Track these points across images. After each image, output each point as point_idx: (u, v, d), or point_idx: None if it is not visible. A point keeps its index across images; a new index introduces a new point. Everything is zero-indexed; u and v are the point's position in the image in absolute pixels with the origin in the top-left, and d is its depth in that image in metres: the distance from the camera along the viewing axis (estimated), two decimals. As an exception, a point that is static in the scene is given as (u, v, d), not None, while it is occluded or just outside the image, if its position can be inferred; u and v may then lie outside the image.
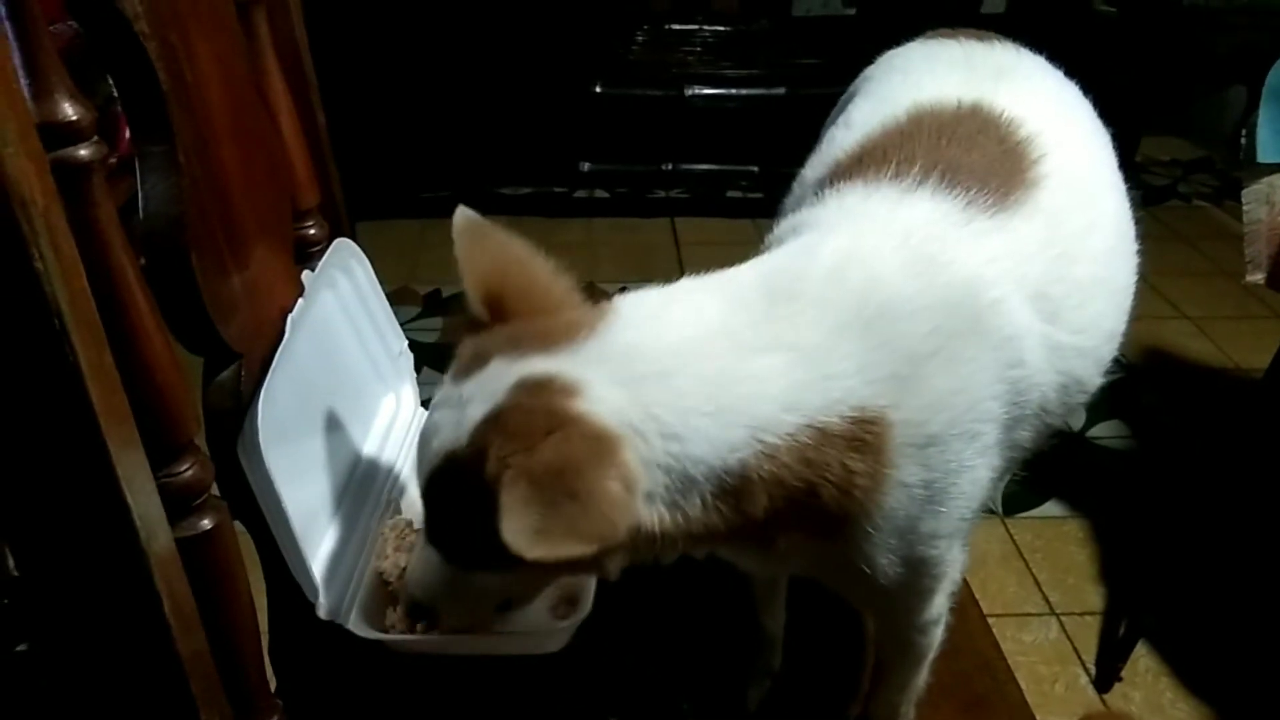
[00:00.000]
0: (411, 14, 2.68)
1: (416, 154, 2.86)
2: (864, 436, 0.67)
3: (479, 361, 0.68)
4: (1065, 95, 0.92)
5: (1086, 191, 0.83)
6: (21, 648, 1.28)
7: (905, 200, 0.75)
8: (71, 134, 0.53)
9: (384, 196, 2.74)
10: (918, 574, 0.77)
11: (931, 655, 0.91)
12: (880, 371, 0.67)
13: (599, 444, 0.62)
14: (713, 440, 0.65)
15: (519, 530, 0.59)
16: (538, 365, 0.66)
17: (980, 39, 0.93)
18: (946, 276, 0.71)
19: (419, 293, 2.52)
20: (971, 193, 0.74)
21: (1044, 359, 0.74)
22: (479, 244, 0.75)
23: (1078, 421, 2.00)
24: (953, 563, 0.80)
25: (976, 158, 0.77)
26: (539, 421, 0.63)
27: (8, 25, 0.51)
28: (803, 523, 0.69)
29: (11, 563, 1.38)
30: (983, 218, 0.74)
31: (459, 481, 0.66)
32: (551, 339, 0.67)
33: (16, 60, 0.51)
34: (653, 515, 0.65)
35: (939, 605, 0.85)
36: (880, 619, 0.90)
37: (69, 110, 0.53)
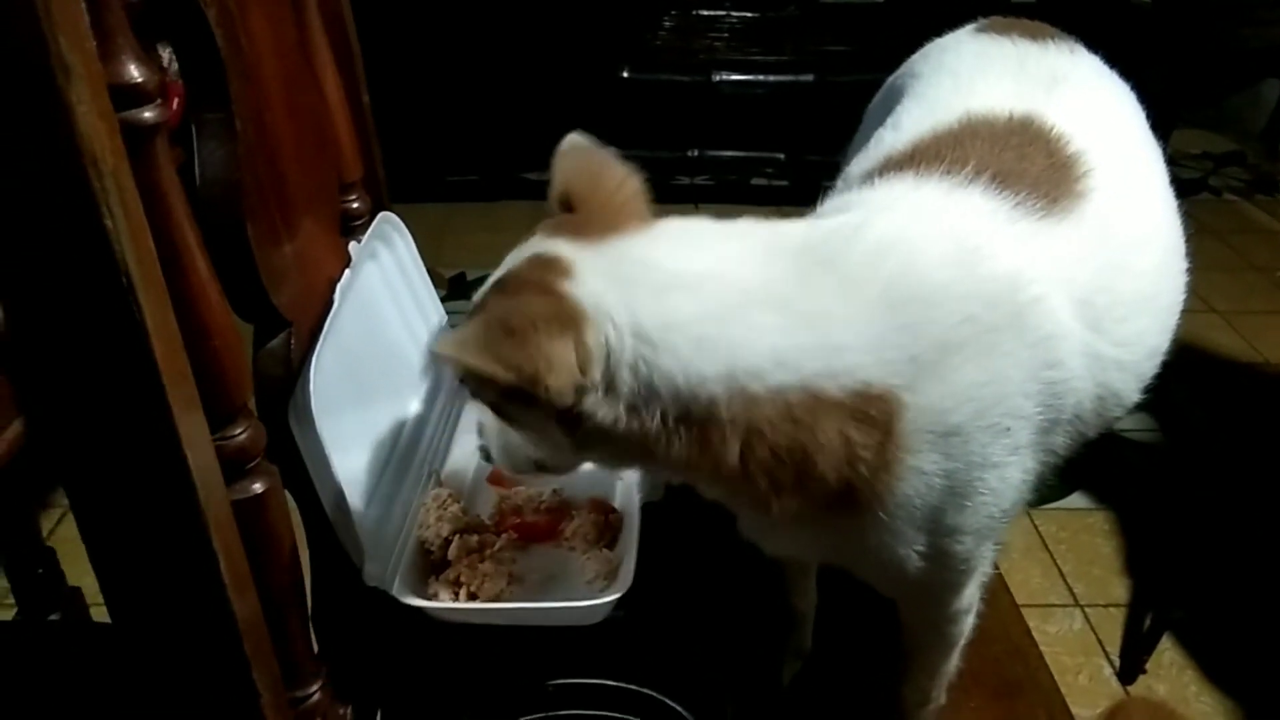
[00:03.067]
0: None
1: (444, 138, 2.87)
2: (869, 411, 0.67)
3: (527, 238, 0.74)
4: (1118, 105, 0.91)
5: (1135, 207, 0.82)
6: (54, 617, 1.30)
7: (955, 194, 0.75)
8: (138, 96, 0.54)
9: (411, 180, 2.74)
10: (944, 567, 0.77)
11: (962, 643, 0.91)
12: (898, 353, 0.68)
13: (561, 313, 0.67)
14: (684, 362, 0.67)
15: (450, 338, 0.67)
16: (556, 248, 0.71)
17: (1034, 37, 0.92)
18: (988, 269, 0.71)
19: (444, 275, 2.53)
20: (1021, 196, 0.75)
21: (1084, 366, 0.74)
22: (572, 154, 0.80)
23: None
24: (984, 559, 0.80)
25: (1027, 167, 0.77)
26: (526, 286, 0.69)
27: (78, -13, 0.52)
28: (801, 489, 0.70)
29: (44, 533, 1.40)
30: (1030, 220, 0.74)
31: None
32: (586, 232, 0.72)
33: (86, 21, 0.51)
34: (613, 412, 0.68)
35: (969, 595, 0.85)
36: (909, 607, 0.90)
37: (135, 72, 0.53)
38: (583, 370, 0.67)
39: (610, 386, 0.68)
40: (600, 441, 0.71)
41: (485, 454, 0.83)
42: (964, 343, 0.69)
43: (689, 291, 0.68)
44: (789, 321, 0.68)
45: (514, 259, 0.73)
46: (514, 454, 0.80)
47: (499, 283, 0.72)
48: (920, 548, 0.74)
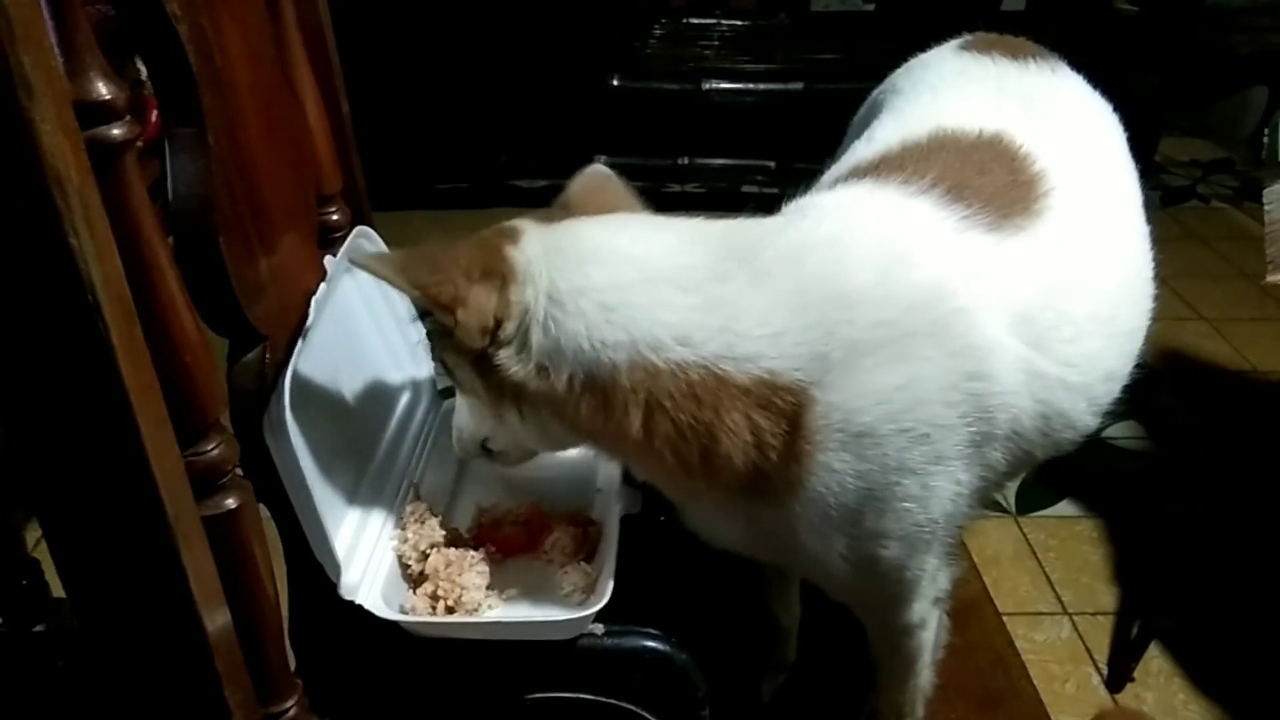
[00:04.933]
0: (430, 6, 2.68)
1: (433, 145, 2.87)
2: (775, 401, 0.70)
3: None
4: (1095, 127, 0.91)
5: (1097, 229, 0.83)
6: (38, 628, 1.30)
7: (906, 202, 0.76)
8: (105, 113, 0.54)
9: (400, 187, 2.74)
10: (876, 574, 0.78)
11: (925, 659, 0.91)
12: (805, 349, 0.70)
13: (492, 265, 0.74)
14: (590, 325, 0.72)
15: (374, 256, 0.78)
16: (521, 223, 0.79)
17: (1015, 56, 0.93)
18: (914, 276, 0.73)
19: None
20: (973, 209, 0.76)
21: (1019, 382, 0.74)
22: (588, 175, 0.87)
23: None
24: (923, 571, 0.81)
25: (986, 182, 0.78)
26: (474, 241, 0.77)
27: (44, 3, 0.52)
28: (709, 469, 0.73)
29: (28, 544, 1.39)
30: (977, 232, 0.75)
31: None
32: (555, 219, 0.80)
33: (52, 38, 0.51)
34: (524, 369, 0.74)
35: (919, 611, 0.85)
36: (862, 616, 0.91)
37: (103, 89, 0.54)
38: (498, 320, 0.73)
39: (524, 344, 0.74)
40: (516, 399, 0.77)
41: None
42: (878, 345, 0.70)
43: (605, 264, 0.74)
44: (693, 302, 0.72)
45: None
46: (464, 435, 0.86)
47: (468, 242, 0.78)
48: (841, 549, 0.76)
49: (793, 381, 0.70)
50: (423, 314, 0.83)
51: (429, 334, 0.82)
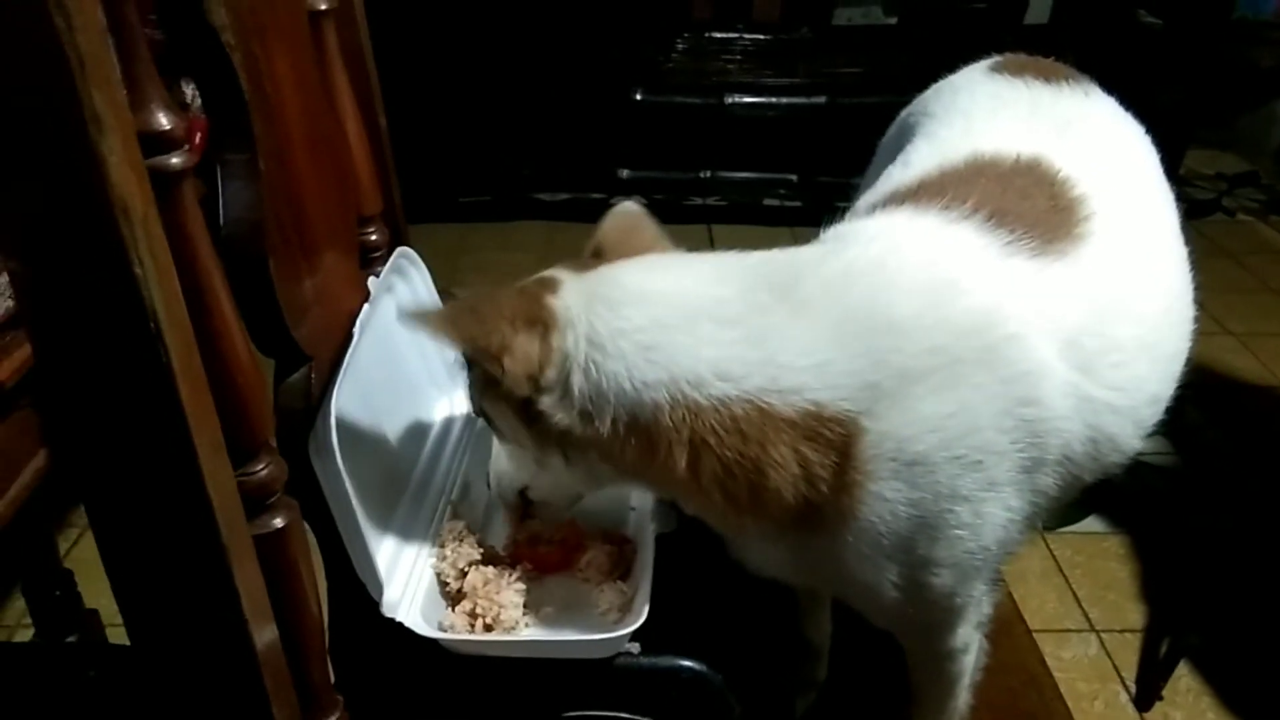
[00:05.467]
0: (453, 21, 2.70)
1: (457, 159, 2.89)
2: (823, 433, 0.70)
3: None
4: (1130, 150, 0.91)
5: (1138, 253, 0.83)
6: (71, 639, 1.31)
7: (949, 228, 0.76)
8: (165, 143, 0.55)
9: (425, 201, 2.77)
10: (925, 601, 0.78)
11: (965, 682, 0.90)
12: (852, 378, 0.70)
13: (534, 313, 0.75)
14: (630, 366, 0.72)
15: (420, 310, 0.81)
16: (559, 272, 0.80)
17: (1048, 79, 0.93)
18: (964, 303, 0.72)
19: (459, 297, 2.54)
20: (1016, 234, 0.76)
21: (1069, 407, 0.74)
22: (618, 215, 0.87)
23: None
24: (972, 597, 0.80)
25: (1028, 207, 0.78)
26: (514, 291, 0.78)
27: (109, 37, 0.53)
28: (758, 504, 0.72)
29: (61, 555, 1.41)
30: (1022, 258, 0.75)
31: None
32: (591, 266, 0.80)
33: (117, 72, 0.53)
34: (568, 416, 0.74)
35: (963, 636, 0.85)
36: (905, 641, 0.90)
37: (163, 120, 0.55)
38: (541, 366, 0.74)
39: (566, 389, 0.74)
40: (561, 445, 0.77)
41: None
42: (929, 373, 0.70)
43: (642, 305, 0.74)
44: (733, 336, 0.71)
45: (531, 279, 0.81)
46: (502, 482, 0.87)
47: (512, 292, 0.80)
48: (893, 577, 0.75)
49: (840, 412, 0.69)
50: (468, 365, 0.84)
51: (471, 385, 0.84)
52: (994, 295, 0.73)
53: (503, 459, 0.86)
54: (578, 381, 0.73)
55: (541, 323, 0.75)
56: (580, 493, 0.87)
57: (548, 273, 0.80)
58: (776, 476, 0.70)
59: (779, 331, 0.71)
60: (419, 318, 0.79)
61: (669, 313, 0.73)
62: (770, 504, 0.72)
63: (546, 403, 0.75)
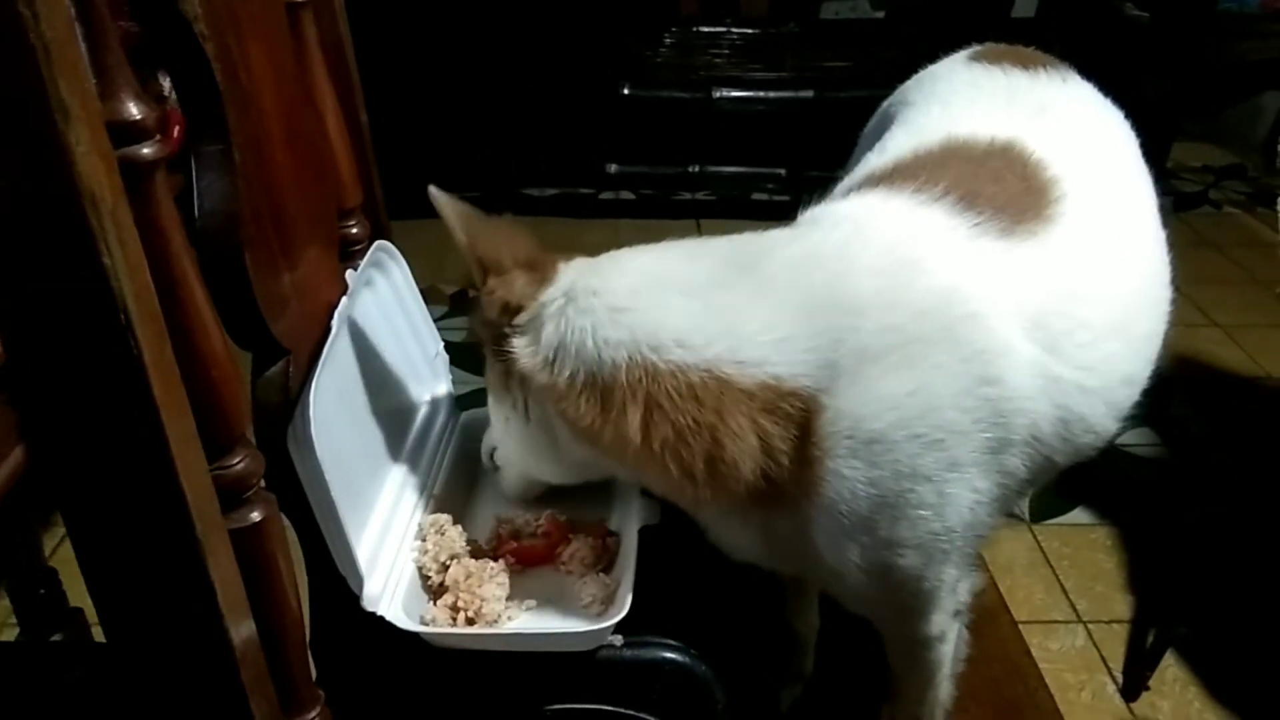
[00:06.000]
0: (439, 15, 2.69)
1: (444, 155, 2.88)
2: (782, 406, 0.72)
3: None
4: (1106, 134, 0.92)
5: (1110, 234, 0.83)
6: (56, 637, 1.31)
7: (918, 209, 0.77)
8: (136, 133, 0.54)
9: (412, 196, 2.75)
10: (892, 584, 0.78)
11: (944, 672, 0.91)
12: (811, 355, 0.71)
13: (538, 263, 0.81)
14: (596, 324, 0.76)
15: (449, 200, 0.84)
16: (579, 256, 0.84)
17: (1026, 66, 0.93)
18: (925, 282, 0.73)
19: (445, 293, 2.54)
20: (985, 216, 0.76)
21: (1035, 387, 0.74)
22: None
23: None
24: (942, 582, 0.80)
25: (999, 190, 0.79)
26: (539, 244, 0.84)
27: (77, 26, 0.53)
28: (715, 477, 0.74)
29: (46, 554, 1.40)
30: (989, 239, 0.76)
31: None
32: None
33: (85, 61, 0.52)
34: (531, 359, 0.79)
35: (938, 623, 0.85)
36: (881, 629, 0.90)
37: (134, 110, 0.54)
38: (521, 304, 0.79)
39: (536, 335, 0.78)
40: (521, 389, 0.82)
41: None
42: (887, 351, 0.71)
43: (621, 273, 0.79)
44: (695, 307, 0.74)
45: None
46: (486, 442, 0.91)
47: (474, 296, 0.85)
48: (856, 558, 0.76)
49: (800, 387, 0.71)
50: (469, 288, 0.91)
51: (470, 312, 0.88)
52: (955, 275, 0.73)
53: (505, 445, 0.92)
54: (547, 330, 0.78)
55: (540, 273, 0.80)
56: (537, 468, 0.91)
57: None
58: (733, 447, 0.72)
59: (741, 306, 0.74)
60: (444, 203, 0.83)
61: (642, 282, 0.78)
62: (728, 475, 0.73)
63: (517, 344, 0.79)
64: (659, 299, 0.76)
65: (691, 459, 0.73)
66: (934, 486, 0.73)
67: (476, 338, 0.88)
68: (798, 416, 0.71)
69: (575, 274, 0.80)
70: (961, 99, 0.92)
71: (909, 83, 1.01)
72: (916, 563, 0.76)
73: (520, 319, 0.79)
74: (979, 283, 0.73)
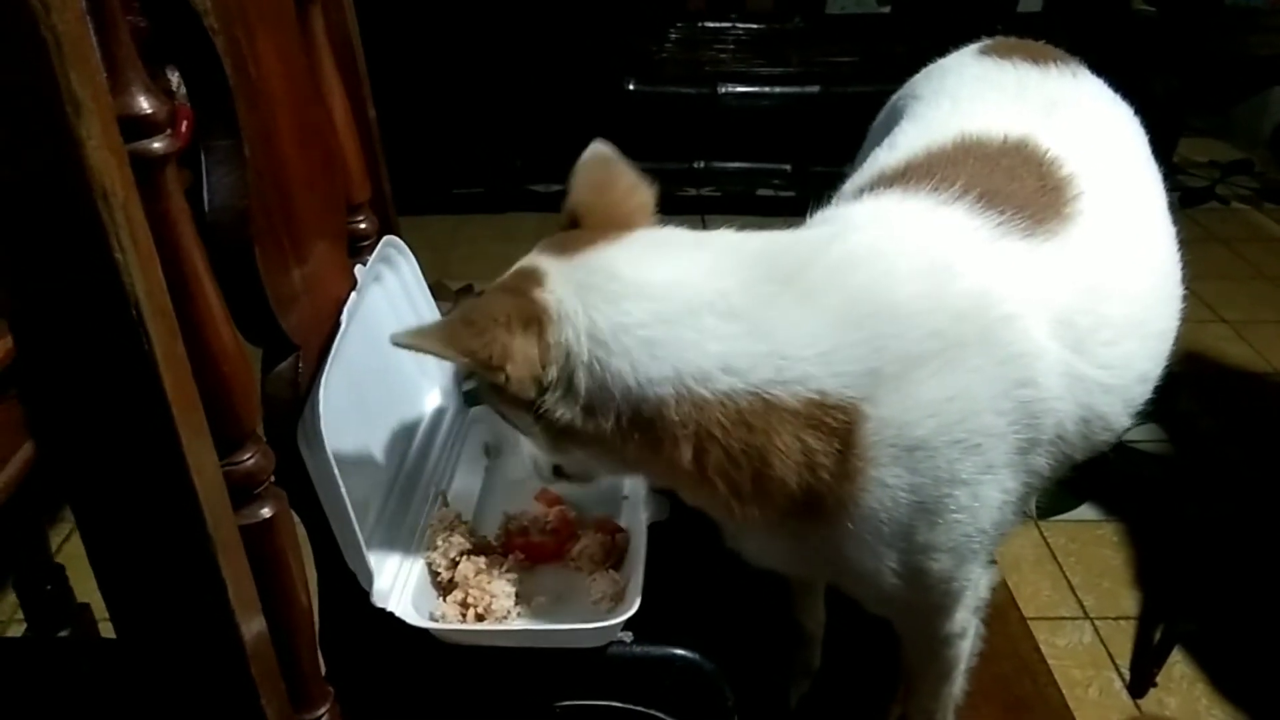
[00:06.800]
0: (446, 11, 2.69)
1: (450, 150, 2.88)
2: (826, 421, 0.69)
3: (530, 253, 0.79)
4: (1118, 130, 0.91)
5: (1127, 232, 0.83)
6: (63, 633, 1.31)
7: (939, 210, 0.76)
8: (147, 127, 0.54)
9: (419, 192, 2.75)
10: (923, 586, 0.78)
11: (961, 667, 0.91)
12: (855, 365, 0.69)
13: (526, 312, 0.72)
14: (635, 364, 0.70)
15: (410, 329, 0.74)
16: (538, 260, 0.76)
17: (1036, 60, 0.92)
18: (959, 285, 0.72)
19: (451, 288, 2.53)
20: (1006, 215, 0.75)
21: (1063, 386, 0.74)
22: (588, 167, 0.84)
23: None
24: (969, 581, 0.80)
25: (1017, 188, 0.78)
26: (500, 290, 0.76)
27: (89, 20, 0.52)
28: (761, 494, 0.71)
29: (53, 550, 1.41)
30: (1012, 239, 0.75)
31: None
32: (570, 247, 0.76)
33: (97, 55, 0.52)
34: (570, 412, 0.73)
35: (960, 620, 0.84)
36: (901, 627, 0.90)
37: (145, 104, 0.54)
38: (543, 365, 0.72)
39: (569, 387, 0.72)
40: (569, 442, 0.75)
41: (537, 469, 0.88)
42: (928, 357, 0.70)
43: (642, 298, 0.72)
44: (738, 329, 0.70)
45: (511, 270, 0.78)
46: (539, 461, 0.85)
47: (492, 291, 0.77)
48: (893, 564, 0.75)
49: (844, 400, 0.69)
50: (468, 375, 0.83)
51: (470, 394, 0.82)
52: (986, 277, 0.72)
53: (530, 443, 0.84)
54: (582, 379, 0.72)
55: (536, 321, 0.72)
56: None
57: (526, 263, 0.77)
58: (781, 465, 0.70)
59: (783, 322, 0.70)
60: (414, 337, 0.75)
61: (670, 307, 0.71)
62: (774, 493, 0.71)
63: (548, 401, 0.73)
64: (697, 326, 0.70)
65: (740, 479, 0.71)
66: (970, 490, 0.72)
67: (505, 418, 0.81)
68: (840, 429, 0.69)
69: (578, 301, 0.72)
70: (972, 94, 0.91)
71: (918, 76, 1.01)
72: (949, 565, 0.76)
73: (547, 379, 0.73)
74: (1009, 284, 0.73)
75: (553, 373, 0.72)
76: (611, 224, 0.78)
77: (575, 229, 0.80)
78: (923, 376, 0.69)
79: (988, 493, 0.73)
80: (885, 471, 0.70)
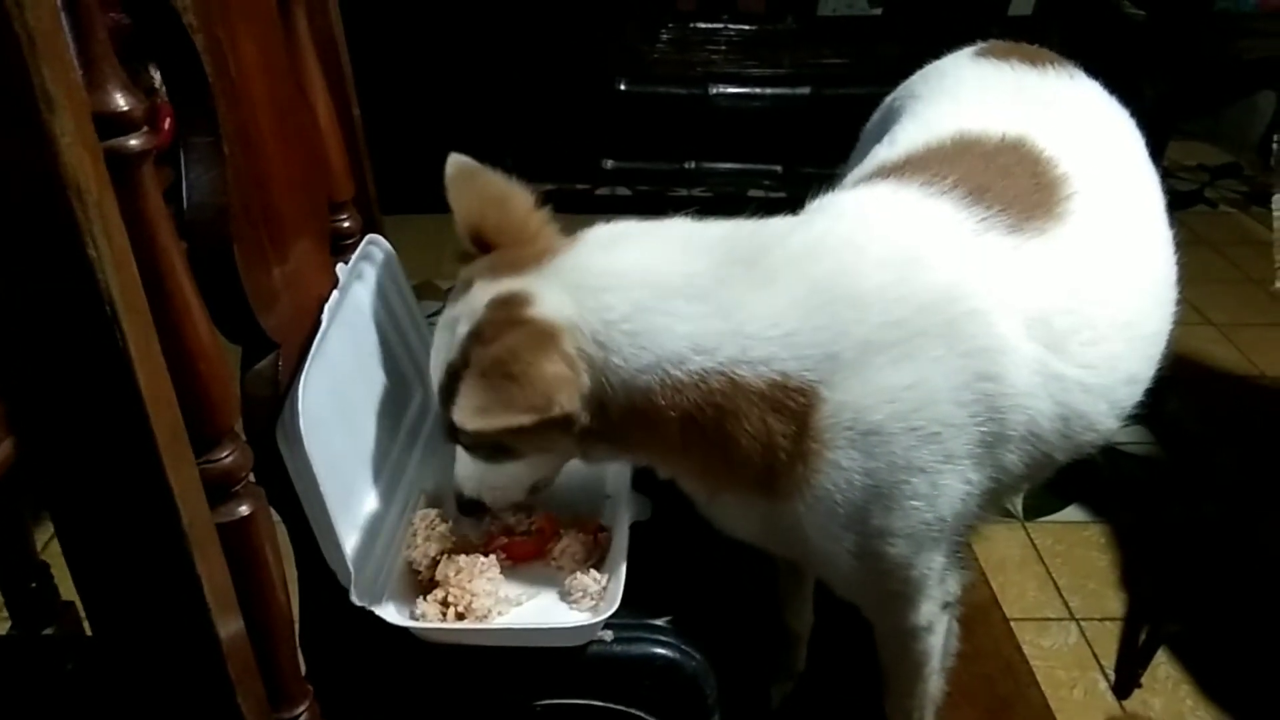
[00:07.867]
0: (435, 9, 2.69)
1: (441, 149, 2.86)
2: (786, 402, 0.71)
3: (465, 287, 0.79)
4: (1115, 132, 0.92)
5: (1119, 233, 0.83)
6: (48, 631, 1.31)
7: (925, 202, 0.76)
8: (123, 124, 0.54)
9: (408, 191, 2.75)
10: (881, 571, 0.79)
11: (933, 664, 0.91)
12: (815, 349, 0.71)
13: (540, 335, 0.72)
14: (627, 357, 0.72)
15: (463, 409, 0.71)
16: (507, 285, 0.76)
17: (1033, 62, 0.93)
18: (927, 277, 0.73)
19: (441, 288, 2.53)
20: (993, 211, 0.76)
21: (1035, 384, 0.75)
22: (466, 185, 0.86)
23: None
24: (930, 570, 0.81)
25: (1009, 185, 0.78)
26: (498, 326, 0.74)
27: (64, 17, 0.52)
28: (735, 473, 0.74)
29: (38, 547, 1.40)
30: (996, 235, 0.76)
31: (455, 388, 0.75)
32: (521, 263, 0.77)
33: (71, 50, 0.52)
34: (582, 415, 0.74)
35: (927, 613, 0.85)
36: (870, 618, 0.91)
37: (121, 101, 0.54)
38: (573, 372, 0.73)
39: (589, 390, 0.74)
40: (580, 442, 0.77)
41: (471, 509, 0.86)
42: (888, 345, 0.71)
43: (618, 288, 0.74)
44: (704, 310, 0.72)
45: (470, 307, 0.77)
46: (508, 491, 0.85)
47: (473, 335, 0.76)
48: (849, 545, 0.76)
49: (804, 382, 0.71)
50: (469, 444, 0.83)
51: (473, 448, 0.82)
52: (959, 271, 0.73)
53: (492, 474, 0.84)
54: (584, 380, 0.73)
55: (548, 338, 0.73)
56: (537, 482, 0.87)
57: (495, 292, 0.76)
58: (749, 445, 0.72)
59: (747, 303, 0.72)
60: (480, 424, 0.72)
61: (645, 294, 0.73)
62: (742, 469, 0.73)
63: (582, 410, 0.75)
64: (668, 309, 0.72)
65: (715, 456, 0.74)
66: (928, 478, 0.73)
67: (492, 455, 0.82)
68: (799, 411, 0.71)
69: (573, 308, 0.73)
70: (971, 93, 0.92)
71: (914, 77, 1.01)
72: (906, 551, 0.77)
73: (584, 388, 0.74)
74: (982, 279, 0.74)
75: (585, 380, 0.73)
76: (526, 239, 0.81)
77: (496, 253, 0.81)
78: (881, 363, 0.71)
79: (947, 482, 0.74)
80: (840, 454, 0.72)
